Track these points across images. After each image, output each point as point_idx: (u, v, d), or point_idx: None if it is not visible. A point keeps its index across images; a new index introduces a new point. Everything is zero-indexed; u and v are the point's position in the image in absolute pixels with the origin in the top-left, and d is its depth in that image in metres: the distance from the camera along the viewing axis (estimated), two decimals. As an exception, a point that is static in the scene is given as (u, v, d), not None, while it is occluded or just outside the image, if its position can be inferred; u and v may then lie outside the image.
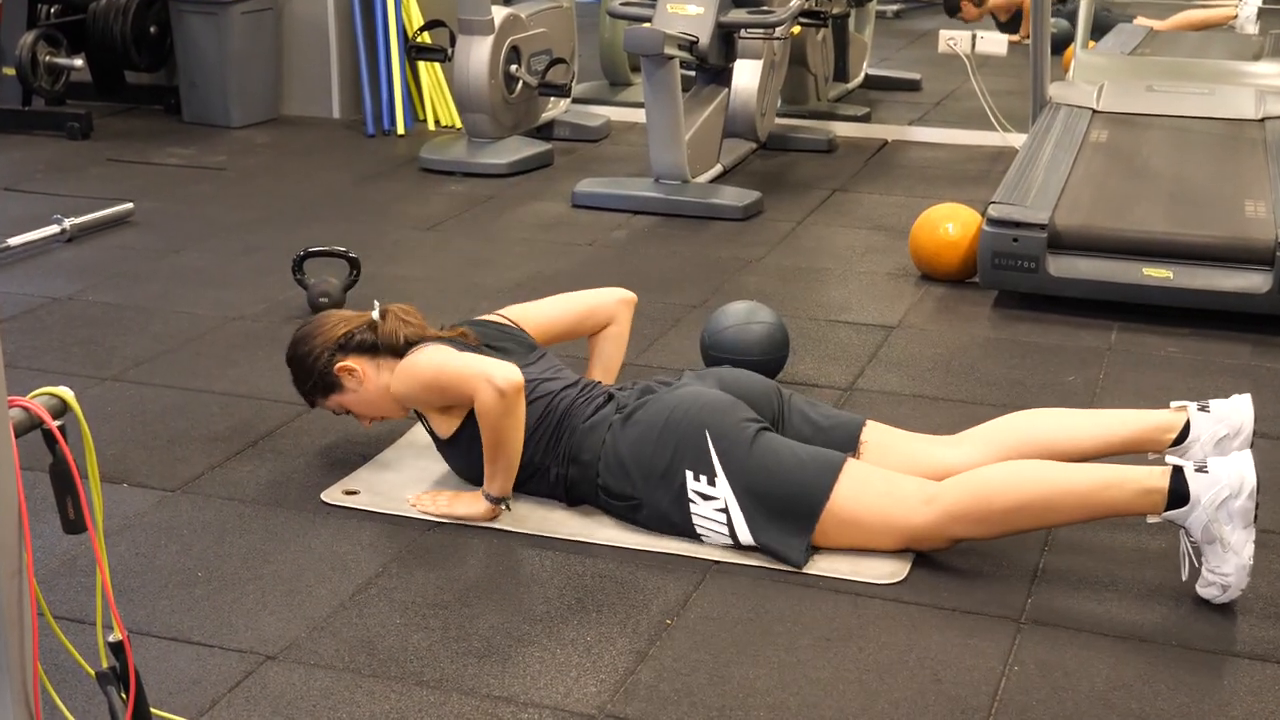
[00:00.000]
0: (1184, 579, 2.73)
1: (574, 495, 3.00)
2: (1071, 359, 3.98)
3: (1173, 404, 2.98)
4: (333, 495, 3.10)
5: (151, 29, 6.94)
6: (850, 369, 3.89)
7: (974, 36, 6.55)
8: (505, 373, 2.86)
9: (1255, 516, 2.63)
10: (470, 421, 2.96)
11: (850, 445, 2.96)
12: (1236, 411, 2.92)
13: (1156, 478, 2.67)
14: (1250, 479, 2.61)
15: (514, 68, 6.05)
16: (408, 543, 2.91)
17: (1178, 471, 2.66)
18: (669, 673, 2.48)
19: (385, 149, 6.47)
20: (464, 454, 3.03)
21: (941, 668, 2.50)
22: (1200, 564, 2.69)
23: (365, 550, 2.88)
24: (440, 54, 6.31)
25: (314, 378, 3.11)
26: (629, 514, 2.93)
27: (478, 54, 5.89)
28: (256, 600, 2.69)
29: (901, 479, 2.83)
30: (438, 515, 2.99)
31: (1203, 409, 2.93)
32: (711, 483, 2.82)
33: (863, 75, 7.72)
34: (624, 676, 2.46)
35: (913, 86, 7.84)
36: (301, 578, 2.77)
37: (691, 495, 2.84)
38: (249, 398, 3.63)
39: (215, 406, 3.58)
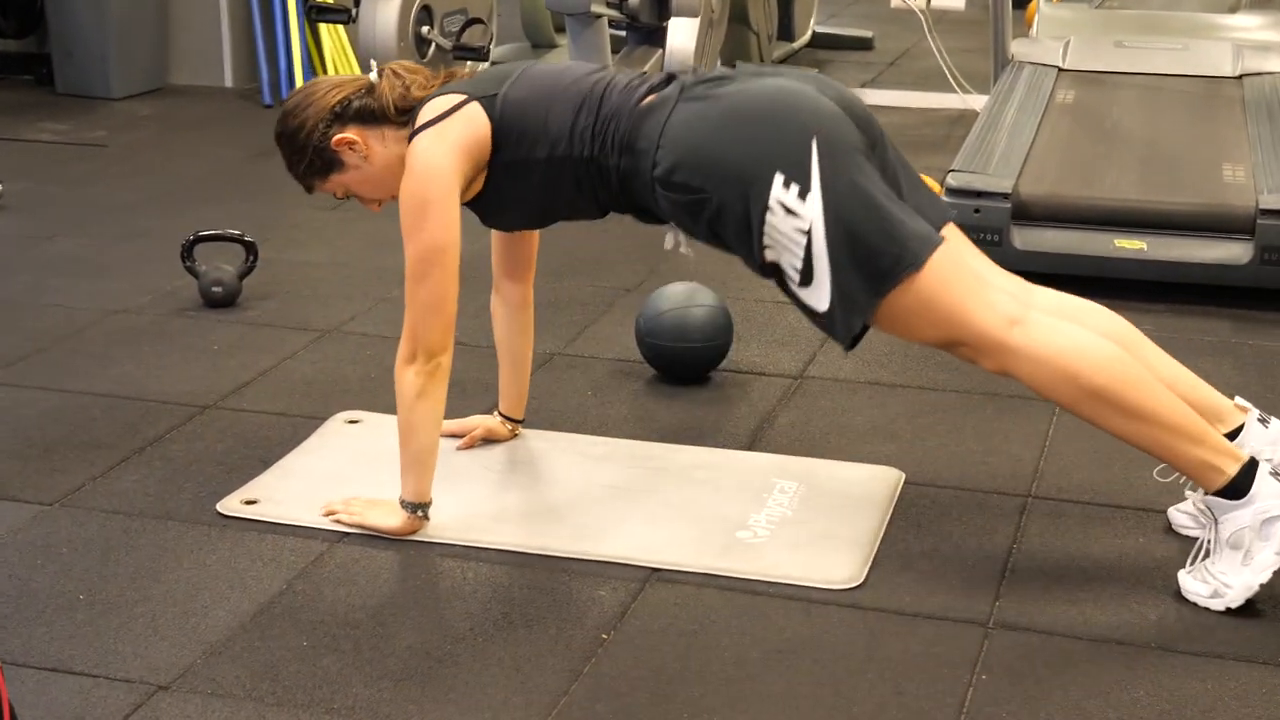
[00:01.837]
0: (1183, 573, 2.75)
1: (632, 196, 2.85)
2: (1039, 339, 4.00)
3: (1237, 399, 2.95)
4: (230, 505, 3.08)
5: (20, -9, 6.87)
6: (800, 355, 3.90)
7: (929, -11, 6.59)
8: (437, 343, 2.82)
9: None
10: (495, 167, 2.86)
11: (935, 225, 2.81)
12: None
13: (1231, 460, 2.66)
14: None
15: (425, 29, 6.02)
16: (315, 556, 2.89)
17: (1251, 464, 2.67)
18: (606, 692, 2.47)
19: (283, 121, 6.42)
20: (496, 197, 2.91)
21: (903, 678, 2.51)
22: (1207, 557, 2.71)
23: (267, 566, 2.86)
24: (343, 15, 6.27)
25: (309, 155, 2.92)
26: (688, 214, 2.78)
27: (384, 14, 5.85)
28: (146, 624, 2.67)
29: (995, 285, 2.74)
30: (350, 525, 2.97)
31: (1263, 421, 2.91)
32: (803, 196, 2.65)
33: (809, 33, 7.76)
34: (556, 698, 2.46)
35: (864, 45, 7.88)
36: (196, 598, 2.75)
37: (773, 204, 2.67)
38: (134, 399, 3.60)
39: (96, 410, 3.54)
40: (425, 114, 2.87)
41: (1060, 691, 2.47)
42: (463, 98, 2.86)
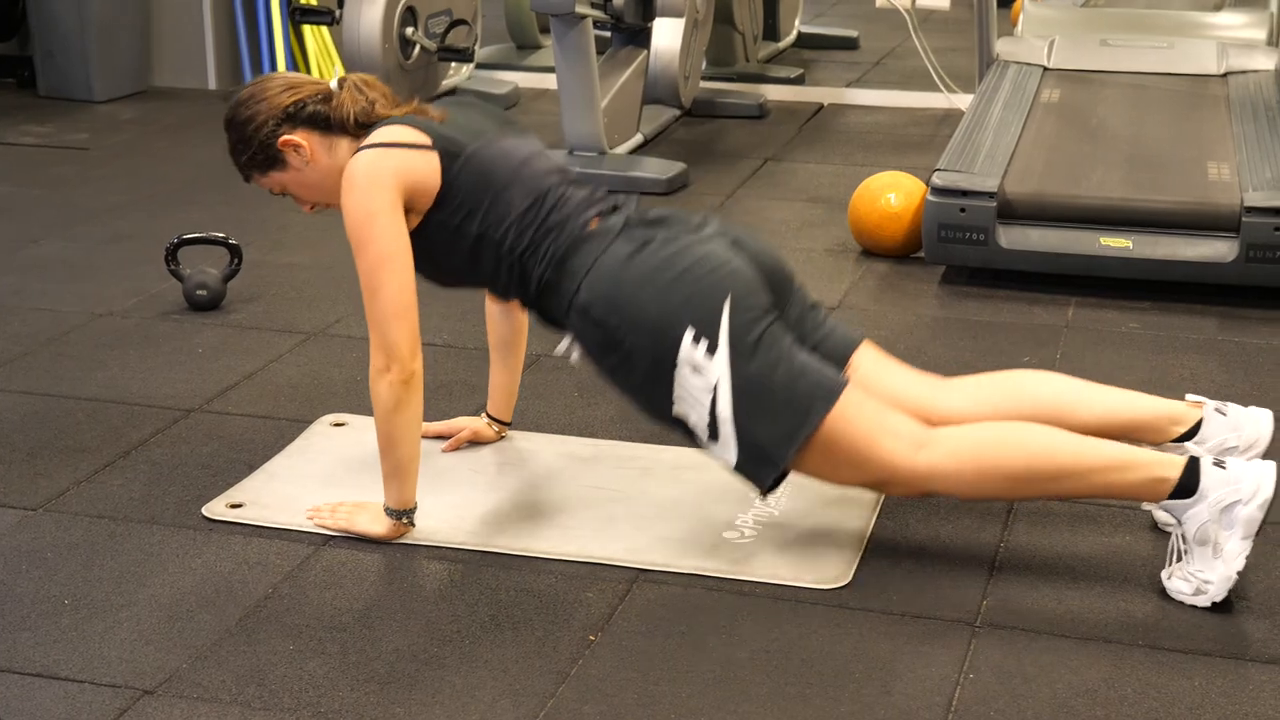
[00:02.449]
0: (1166, 576, 2.76)
1: (544, 304, 2.91)
2: (1025, 338, 4.02)
3: (1189, 396, 2.99)
4: (215, 509, 3.07)
5: (1, -7, 6.85)
6: (785, 355, 3.90)
7: (915, -11, 6.59)
8: (406, 351, 2.82)
9: (1260, 529, 2.66)
10: (428, 220, 2.88)
11: (842, 361, 2.92)
12: (1254, 425, 2.93)
13: (1169, 466, 2.69)
14: (1267, 489, 2.64)
15: (409, 30, 6.02)
16: (300, 560, 2.89)
17: (1193, 463, 2.69)
18: (594, 694, 2.48)
19: (268, 123, 6.41)
20: (430, 244, 2.91)
21: (891, 678, 2.52)
22: (1183, 560, 2.73)
23: (253, 569, 2.86)
24: (327, 16, 6.27)
25: (253, 148, 2.94)
26: (600, 349, 2.85)
27: (369, 16, 5.85)
28: (131, 629, 2.66)
29: (896, 416, 2.80)
30: (335, 529, 2.97)
31: (1220, 411, 2.94)
32: (710, 353, 2.73)
33: (795, 33, 7.76)
34: (544, 699, 2.46)
35: (850, 45, 7.89)
36: (182, 602, 2.75)
37: (681, 360, 2.75)
38: (119, 403, 3.59)
39: (81, 414, 3.54)
40: (382, 135, 2.89)
41: (1048, 690, 2.48)
42: (426, 141, 2.88)
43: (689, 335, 2.74)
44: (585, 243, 2.85)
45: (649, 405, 2.85)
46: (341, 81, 2.98)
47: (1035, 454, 2.74)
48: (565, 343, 2.92)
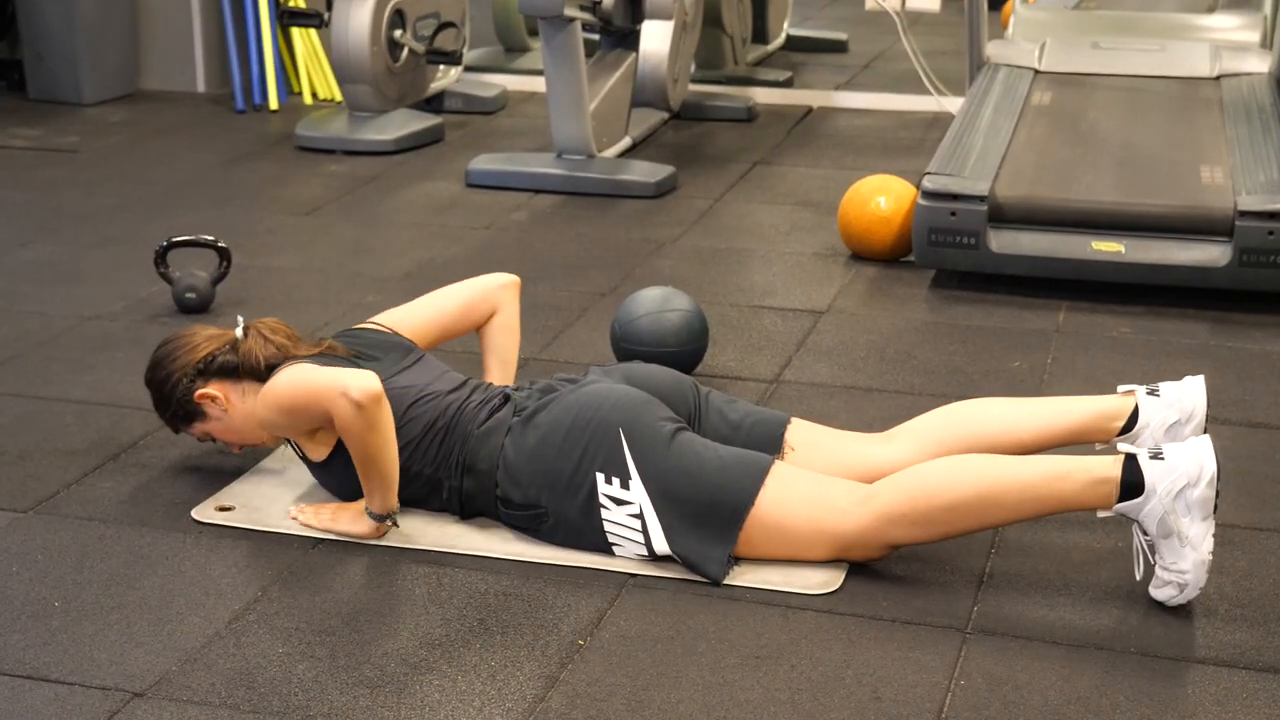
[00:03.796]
0: (1138, 579, 2.77)
1: (470, 509, 3.00)
2: (1016, 342, 4.02)
3: (1120, 388, 3.02)
4: (204, 512, 3.07)
5: (-10, -5, 6.85)
6: (776, 359, 3.91)
7: (904, -9, 6.61)
8: (361, 383, 2.83)
9: (1215, 507, 2.67)
10: (338, 454, 2.98)
11: (774, 446, 2.98)
12: (1188, 395, 2.96)
13: (1107, 467, 2.70)
14: (1210, 466, 2.65)
15: (398, 33, 6.02)
16: (289, 563, 2.89)
17: (1130, 459, 2.70)
18: (582, 698, 2.48)
19: (257, 126, 6.42)
20: (339, 477, 3.03)
21: (881, 684, 2.52)
22: (1155, 561, 2.72)
23: (242, 572, 2.86)
24: (315, 19, 6.27)
25: (173, 405, 3.11)
26: (533, 526, 2.93)
27: (357, 18, 5.85)
28: (121, 631, 2.66)
29: (831, 481, 2.85)
30: (321, 530, 2.97)
31: (1152, 393, 2.98)
32: (625, 485, 2.83)
33: (784, 36, 7.77)
34: (533, 704, 2.46)
35: (839, 48, 7.90)
36: (171, 605, 2.75)
37: (603, 500, 2.84)
38: (108, 406, 3.59)
39: (70, 417, 3.54)
40: (282, 368, 3.00)
41: (1039, 696, 2.49)
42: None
43: (600, 479, 2.84)
44: (485, 441, 2.95)
45: (603, 552, 2.90)
46: (246, 329, 3.10)
47: (967, 483, 2.76)
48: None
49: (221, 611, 2.73)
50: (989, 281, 4.44)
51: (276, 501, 3.10)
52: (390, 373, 3.05)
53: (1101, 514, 2.73)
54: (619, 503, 2.83)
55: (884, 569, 2.86)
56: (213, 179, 5.62)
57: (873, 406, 3.61)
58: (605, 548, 2.88)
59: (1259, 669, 2.56)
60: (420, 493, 3.00)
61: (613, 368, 3.11)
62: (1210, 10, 6.78)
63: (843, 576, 2.83)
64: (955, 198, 4.39)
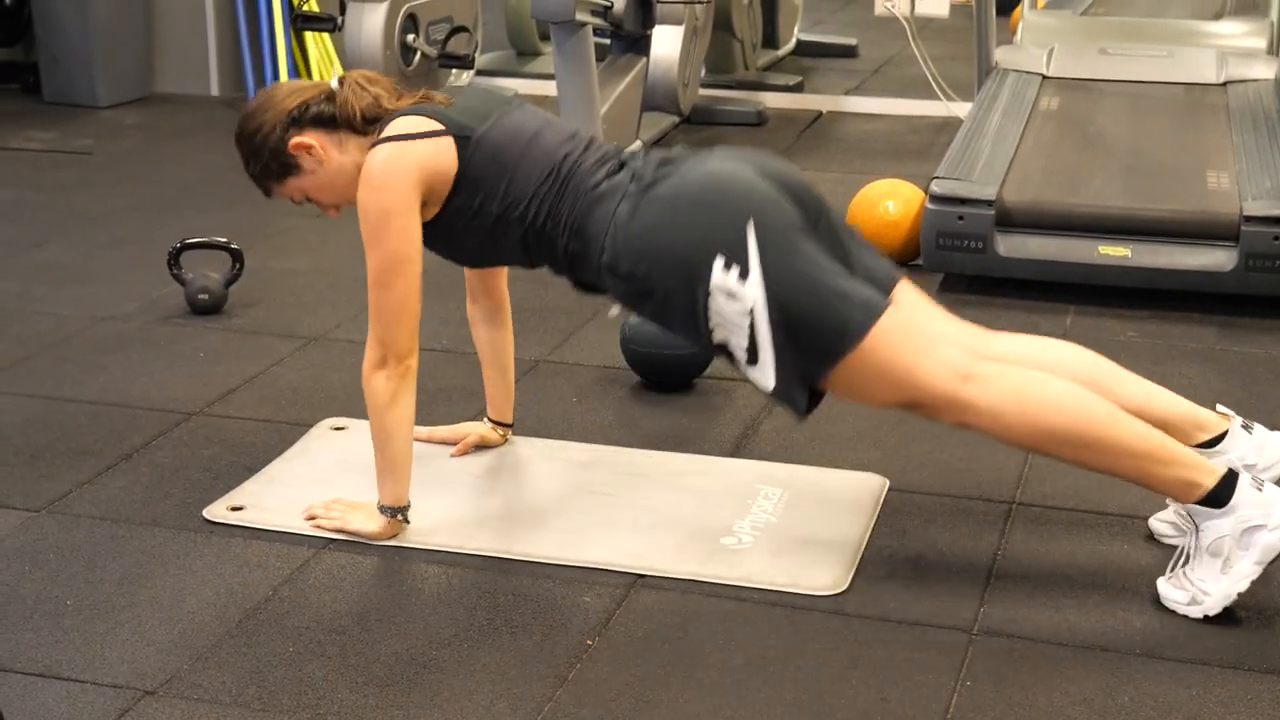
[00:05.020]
0: (1166, 575, 2.76)
1: (578, 274, 2.90)
2: (1024, 346, 4.01)
3: (1219, 407, 2.96)
4: (216, 512, 3.08)
5: (6, -1, 6.86)
6: (784, 362, 3.90)
7: (914, -3, 6.60)
8: (404, 348, 2.82)
9: (1275, 559, 2.65)
10: (448, 206, 2.87)
11: (884, 289, 2.82)
12: (1277, 448, 2.91)
13: (1207, 473, 2.67)
14: None
15: (410, 37, 6.03)
16: (300, 563, 2.89)
17: (1231, 475, 2.67)
18: (591, 698, 2.48)
19: (270, 129, 6.42)
20: (443, 234, 2.93)
21: (888, 685, 2.52)
22: (1184, 568, 2.72)
23: (253, 572, 2.86)
24: (329, 23, 6.27)
25: (265, 158, 2.94)
26: (637, 300, 2.82)
27: (370, 22, 5.86)
28: (133, 630, 2.67)
29: (944, 342, 2.75)
30: (330, 529, 2.97)
31: (1246, 427, 2.92)
32: (743, 278, 2.68)
33: (794, 41, 7.77)
34: (541, 703, 2.46)
35: (848, 53, 7.90)
36: (183, 604, 2.75)
37: (713, 289, 2.70)
38: (121, 406, 3.59)
39: (84, 417, 3.54)
40: (395, 128, 2.87)
41: (1044, 698, 2.48)
42: (440, 128, 2.86)
43: (719, 263, 2.70)
44: (598, 204, 2.82)
45: (695, 338, 2.80)
46: (342, 80, 2.97)
47: (1083, 419, 2.69)
48: (615, 307, 2.91)
49: (233, 610, 2.73)
50: (997, 285, 4.43)
51: (288, 501, 3.10)
52: (502, 111, 2.95)
53: (1171, 504, 2.71)
54: (731, 296, 2.69)
55: (891, 570, 2.86)
56: (226, 181, 5.62)
57: (878, 411, 3.59)
58: (703, 333, 2.76)
59: (1264, 671, 2.55)
60: (538, 243, 2.89)
61: (744, 151, 2.91)
62: (1217, 17, 6.77)
63: (850, 578, 2.83)
64: (963, 202, 4.39)
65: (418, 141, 2.85)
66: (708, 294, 2.71)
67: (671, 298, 2.76)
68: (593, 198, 2.83)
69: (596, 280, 2.88)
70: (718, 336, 2.76)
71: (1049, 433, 2.70)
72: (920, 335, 2.75)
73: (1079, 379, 2.81)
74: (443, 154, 2.85)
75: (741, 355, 2.75)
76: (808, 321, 2.69)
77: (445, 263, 3.07)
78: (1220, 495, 2.66)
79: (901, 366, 2.70)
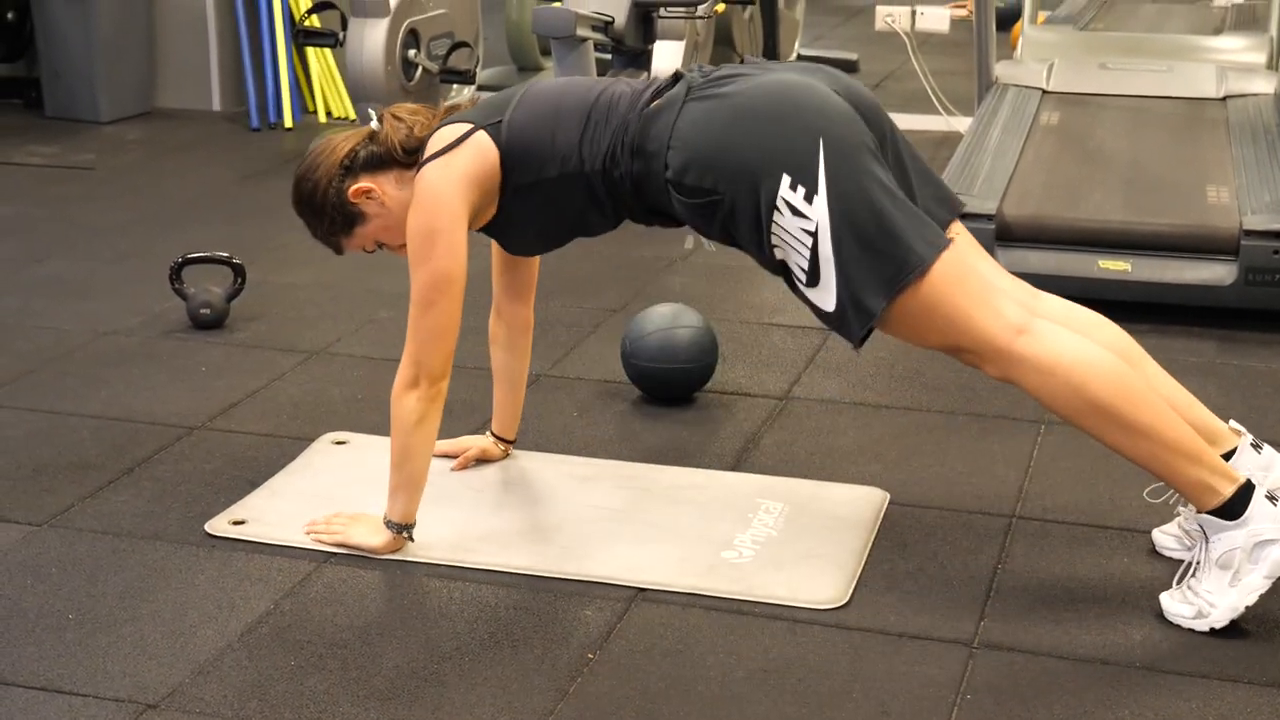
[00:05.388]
0: (1172, 589, 2.76)
1: (646, 199, 2.83)
2: (1024, 360, 4.02)
3: (1232, 422, 2.95)
4: (218, 526, 3.08)
5: (9, 14, 6.87)
6: (785, 376, 3.91)
7: (914, 12, 6.62)
8: (438, 371, 2.83)
9: None
10: (505, 195, 2.87)
11: (942, 224, 2.80)
12: None
13: (1227, 482, 2.66)
14: None
15: (412, 53, 6.04)
16: (302, 576, 2.90)
17: (1247, 486, 2.66)
18: (592, 711, 2.48)
19: (271, 144, 6.44)
20: (516, 228, 2.92)
21: (889, 698, 2.52)
22: (1190, 581, 2.72)
23: (255, 585, 2.86)
24: (330, 38, 6.29)
25: (330, 214, 2.93)
26: (701, 216, 2.77)
27: (372, 38, 5.87)
28: (134, 643, 2.67)
29: (1002, 292, 2.73)
30: (332, 544, 2.97)
31: (1256, 446, 2.91)
32: (810, 198, 2.64)
33: (795, 56, 7.78)
34: (543, 717, 2.46)
35: (849, 68, 7.91)
36: (184, 617, 2.75)
37: (780, 204, 2.66)
38: (123, 420, 3.60)
39: (85, 431, 3.55)
40: (432, 145, 2.87)
41: (1045, 711, 2.48)
42: (469, 127, 2.86)
43: (786, 182, 2.66)
44: (656, 118, 2.78)
45: (759, 252, 2.76)
46: (381, 117, 2.97)
47: (1127, 396, 2.66)
48: (689, 237, 2.87)
49: (234, 624, 2.73)
50: (997, 299, 4.43)
51: (289, 515, 3.11)
52: (521, 91, 2.93)
53: (1182, 509, 2.71)
54: (796, 214, 2.65)
55: (891, 583, 2.86)
56: (227, 196, 5.63)
57: (881, 423, 3.61)
58: (764, 246, 2.73)
59: (1264, 684, 2.56)
60: (597, 186, 2.84)
61: (816, 67, 2.87)
62: (1217, 32, 6.78)
63: (850, 591, 2.83)
64: (964, 216, 4.38)
65: (457, 151, 2.84)
66: (774, 208, 2.67)
67: (738, 209, 2.72)
68: (649, 114, 2.79)
69: (664, 201, 2.82)
70: (778, 254, 2.73)
71: (1091, 402, 2.66)
72: (978, 279, 2.72)
73: (1118, 354, 2.78)
74: (483, 151, 2.85)
75: (801, 275, 2.72)
76: (871, 249, 2.65)
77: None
78: (1235, 507, 2.65)
79: (958, 308, 2.68)
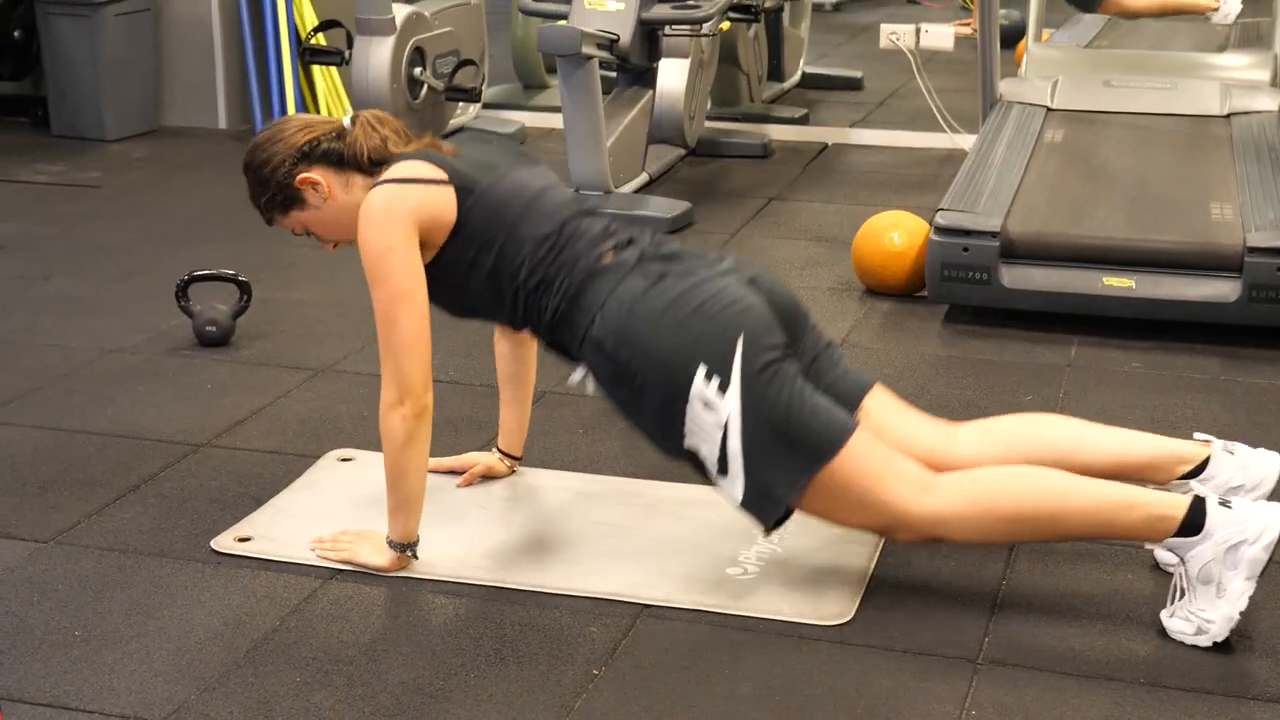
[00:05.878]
0: (1166, 615, 2.76)
1: (558, 336, 2.92)
2: (1028, 377, 4.03)
3: (1197, 435, 2.99)
4: (224, 543, 3.09)
5: (15, 33, 6.89)
6: (790, 393, 3.91)
7: (918, 30, 6.64)
8: (419, 386, 2.84)
9: (1264, 570, 2.66)
10: (442, 254, 2.90)
11: (854, 404, 2.92)
12: (1261, 465, 2.92)
13: (1173, 506, 2.70)
14: (1274, 530, 2.64)
15: (418, 71, 6.06)
16: (308, 593, 2.90)
17: (1198, 501, 2.69)
18: (597, 728, 2.49)
19: (277, 161, 6.44)
20: (438, 288, 2.94)
21: (893, 714, 2.52)
22: (1183, 601, 2.72)
23: (261, 602, 2.87)
24: (336, 57, 6.31)
25: (272, 189, 2.98)
26: (612, 381, 2.86)
27: (378, 56, 5.89)
28: (141, 660, 2.68)
29: (902, 461, 2.80)
30: (338, 561, 2.98)
31: (1228, 450, 2.94)
32: (722, 391, 2.74)
33: (799, 74, 7.80)
34: (548, 733, 2.47)
35: (854, 85, 7.93)
36: (190, 634, 2.76)
37: (693, 397, 2.76)
38: (129, 437, 3.61)
39: (92, 448, 3.56)
40: (397, 170, 2.91)
41: (1049, 726, 2.49)
42: (442, 176, 2.90)
43: (701, 372, 2.75)
44: (600, 277, 2.86)
45: (661, 438, 2.86)
46: (354, 118, 3.00)
47: (1039, 496, 2.75)
48: (578, 374, 2.94)
49: (240, 641, 2.74)
50: (1002, 316, 4.45)
51: (295, 532, 3.11)
52: (507, 166, 2.97)
53: (1149, 546, 2.73)
54: (708, 406, 2.75)
55: (895, 600, 2.87)
56: (234, 214, 5.63)
57: (885, 440, 3.61)
58: (676, 436, 2.81)
59: (1268, 700, 2.56)
60: (525, 298, 2.91)
61: (747, 263, 2.98)
62: (1221, 49, 6.79)
63: (855, 607, 2.83)
64: (968, 234, 4.41)
65: (417, 185, 2.88)
66: (686, 401, 2.77)
67: (648, 391, 2.81)
68: (597, 268, 2.87)
69: (575, 348, 2.91)
70: (689, 442, 2.82)
71: (1012, 519, 2.75)
72: (883, 455, 2.81)
73: (1047, 448, 2.90)
74: (442, 202, 2.88)
75: (712, 465, 2.81)
76: (779, 443, 2.76)
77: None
78: (1193, 523, 2.68)
79: (865, 487, 2.77)
